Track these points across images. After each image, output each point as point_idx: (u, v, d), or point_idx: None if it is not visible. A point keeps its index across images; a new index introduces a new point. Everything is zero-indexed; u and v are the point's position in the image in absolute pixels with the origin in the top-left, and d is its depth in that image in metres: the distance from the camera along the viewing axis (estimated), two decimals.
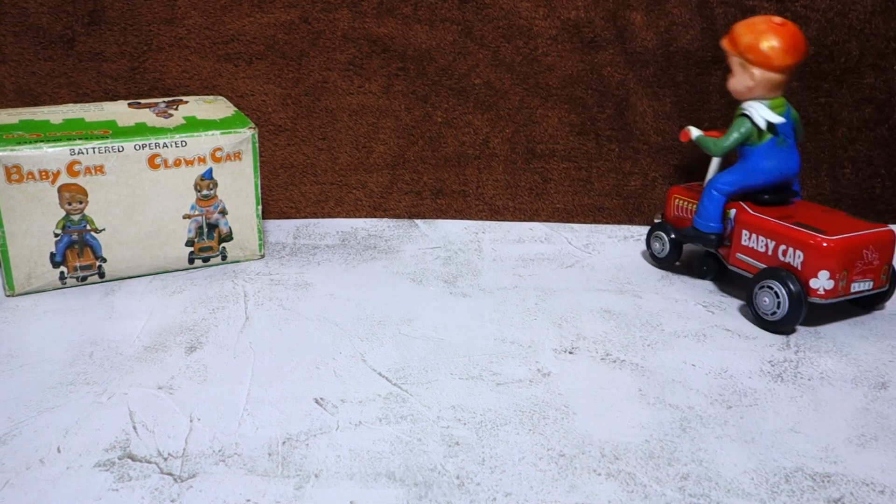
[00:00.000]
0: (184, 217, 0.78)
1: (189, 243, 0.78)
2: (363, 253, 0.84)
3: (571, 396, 0.60)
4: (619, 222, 0.93)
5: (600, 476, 0.52)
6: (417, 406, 0.58)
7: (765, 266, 0.71)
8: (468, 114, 0.94)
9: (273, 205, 0.93)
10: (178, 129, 0.76)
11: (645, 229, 0.91)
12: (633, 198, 0.94)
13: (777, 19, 0.74)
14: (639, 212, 0.93)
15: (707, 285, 0.78)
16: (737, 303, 0.75)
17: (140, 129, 0.76)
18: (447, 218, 0.93)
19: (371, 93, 0.93)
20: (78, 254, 0.74)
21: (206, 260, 0.80)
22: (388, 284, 0.77)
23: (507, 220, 0.93)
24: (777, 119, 0.73)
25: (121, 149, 0.73)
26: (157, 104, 0.83)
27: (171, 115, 0.80)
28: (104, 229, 0.75)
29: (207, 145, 0.76)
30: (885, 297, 0.73)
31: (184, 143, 0.75)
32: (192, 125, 0.77)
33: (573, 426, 0.56)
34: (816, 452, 0.54)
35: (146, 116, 0.79)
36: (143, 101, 0.84)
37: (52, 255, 0.74)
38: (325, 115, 0.93)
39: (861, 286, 0.69)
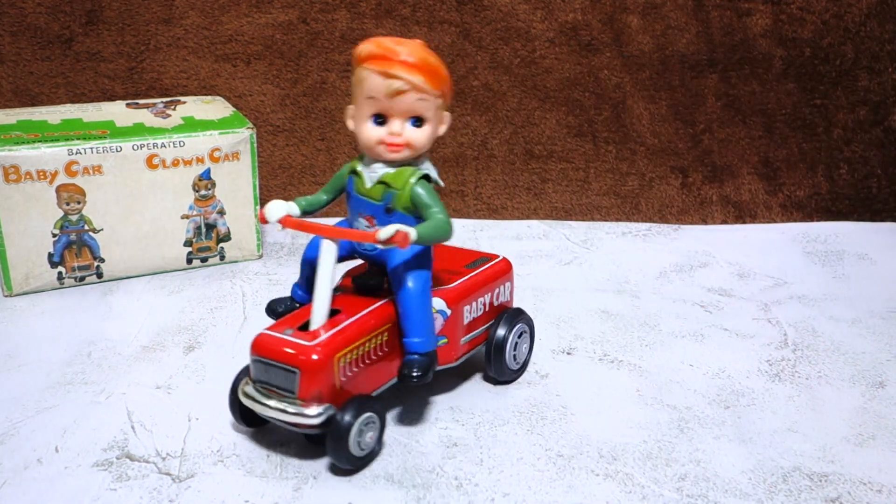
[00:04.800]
0: (182, 217, 0.77)
1: (187, 243, 0.78)
2: None
3: (569, 397, 0.60)
4: (617, 220, 0.93)
5: (598, 476, 0.52)
6: (416, 407, 0.59)
7: (490, 322, 0.60)
8: (466, 115, 0.94)
9: None
10: (176, 129, 0.76)
11: (644, 226, 0.91)
12: (631, 197, 0.94)
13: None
14: (636, 210, 0.93)
15: (705, 284, 0.78)
16: (736, 302, 0.75)
17: (138, 130, 0.76)
18: None
19: None
20: (76, 254, 0.74)
21: (204, 260, 0.80)
22: None
23: (505, 219, 0.93)
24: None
25: (119, 149, 0.73)
26: (155, 104, 0.83)
27: (169, 116, 0.80)
28: (102, 229, 0.75)
29: (205, 145, 0.76)
30: None
31: (182, 144, 0.75)
32: (190, 125, 0.77)
33: (571, 427, 0.56)
34: (814, 452, 0.54)
35: (144, 116, 0.79)
36: (140, 101, 0.84)
37: (50, 256, 0.74)
38: (323, 115, 0.94)
39: None
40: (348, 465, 0.51)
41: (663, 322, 0.71)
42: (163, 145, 0.75)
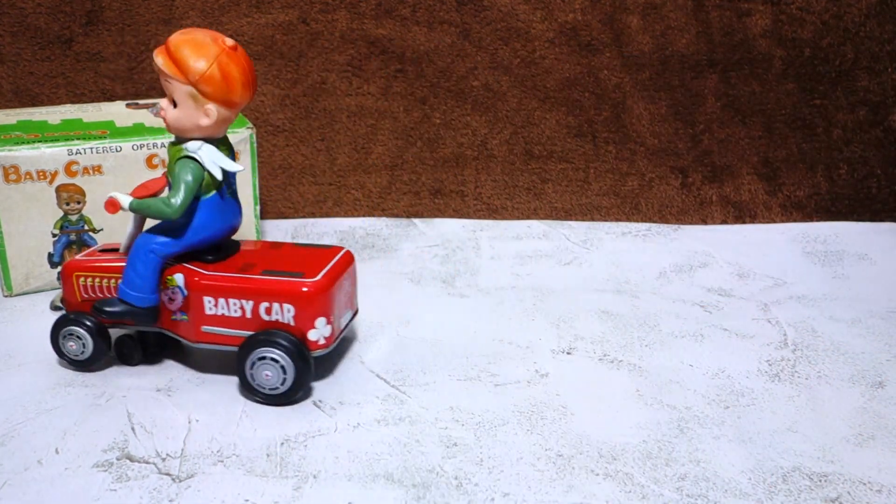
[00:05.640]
0: None
1: None
2: (361, 252, 0.84)
3: (569, 397, 0.60)
4: (617, 220, 0.93)
5: (598, 476, 0.52)
6: (415, 407, 0.59)
7: (250, 333, 0.59)
8: (466, 115, 0.94)
9: (271, 205, 0.93)
10: None
11: (643, 226, 0.91)
12: (631, 197, 0.94)
13: (229, 41, 0.58)
14: (636, 210, 0.93)
15: (705, 284, 0.79)
16: (736, 302, 0.75)
17: (138, 130, 0.76)
18: (445, 217, 0.93)
19: (370, 94, 0.93)
20: (76, 254, 0.74)
21: None
22: (386, 285, 0.77)
23: (505, 219, 0.93)
24: (235, 167, 0.59)
25: (118, 149, 0.73)
26: (155, 104, 0.83)
27: None
28: (102, 229, 0.75)
29: None
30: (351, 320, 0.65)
31: None
32: None
33: (571, 427, 0.57)
34: (814, 452, 0.55)
35: (144, 117, 0.79)
36: (140, 101, 0.84)
37: (50, 256, 0.74)
38: (323, 115, 0.94)
39: (345, 319, 0.62)
40: (56, 352, 0.62)
41: (663, 322, 0.71)
42: (163, 145, 0.75)
